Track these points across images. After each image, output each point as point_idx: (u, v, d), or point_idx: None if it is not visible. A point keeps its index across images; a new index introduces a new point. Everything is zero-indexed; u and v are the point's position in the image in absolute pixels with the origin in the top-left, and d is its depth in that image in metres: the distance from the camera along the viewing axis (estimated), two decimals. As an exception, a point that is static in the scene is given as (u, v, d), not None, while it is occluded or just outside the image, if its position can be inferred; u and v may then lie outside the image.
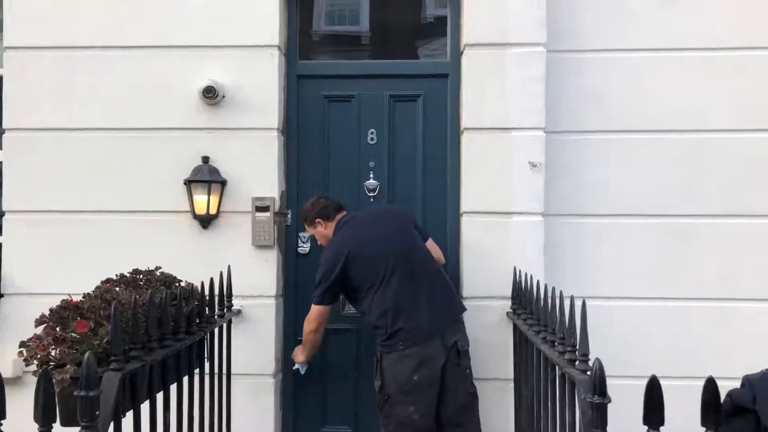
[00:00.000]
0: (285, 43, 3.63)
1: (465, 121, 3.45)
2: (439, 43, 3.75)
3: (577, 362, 2.03)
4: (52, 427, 1.51)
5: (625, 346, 3.42)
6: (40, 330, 2.06)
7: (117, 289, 2.37)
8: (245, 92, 3.49)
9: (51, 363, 1.96)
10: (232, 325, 3.18)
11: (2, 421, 1.37)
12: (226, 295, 3.08)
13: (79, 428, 1.63)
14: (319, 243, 3.32)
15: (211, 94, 3.39)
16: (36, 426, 1.50)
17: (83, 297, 2.20)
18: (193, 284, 2.73)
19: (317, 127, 3.69)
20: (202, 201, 3.41)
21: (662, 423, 1.43)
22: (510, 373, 3.26)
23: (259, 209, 3.47)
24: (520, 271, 3.18)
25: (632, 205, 3.56)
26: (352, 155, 3.68)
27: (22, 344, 2.01)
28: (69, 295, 2.20)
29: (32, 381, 1.55)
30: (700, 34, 3.57)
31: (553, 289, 2.46)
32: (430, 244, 3.16)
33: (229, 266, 3.15)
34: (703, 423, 1.31)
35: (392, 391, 2.87)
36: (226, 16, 3.49)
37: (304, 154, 3.69)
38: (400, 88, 3.68)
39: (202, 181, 3.41)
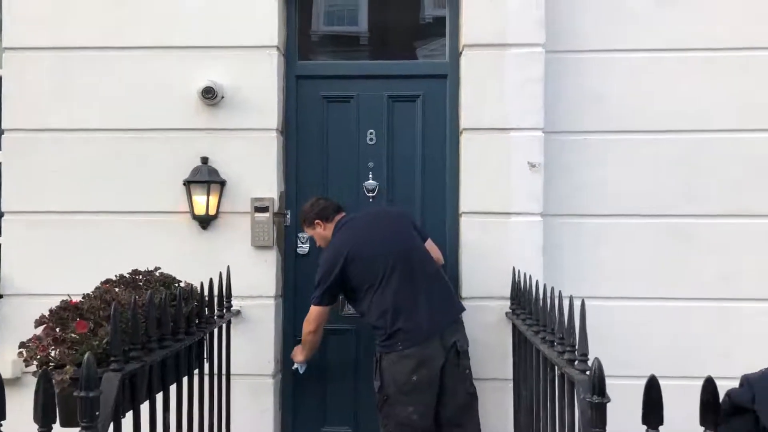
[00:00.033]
0: (284, 44, 3.63)
1: (464, 121, 3.46)
2: (437, 44, 3.76)
3: (576, 362, 2.03)
4: (51, 428, 1.51)
5: (625, 346, 3.42)
6: (39, 331, 2.06)
7: (116, 289, 2.37)
8: (244, 93, 3.49)
9: (51, 364, 1.96)
10: (232, 326, 3.18)
11: (2, 422, 1.37)
12: (226, 296, 3.07)
13: (78, 429, 1.63)
14: (318, 244, 3.32)
15: (210, 94, 3.40)
16: (36, 427, 1.49)
17: (83, 298, 2.20)
18: (192, 285, 2.73)
19: (316, 128, 3.69)
20: (201, 201, 3.41)
21: (661, 422, 1.43)
22: (509, 373, 3.26)
23: (258, 210, 3.47)
24: (519, 272, 3.18)
25: (631, 205, 3.56)
26: (351, 156, 3.68)
27: (22, 345, 2.00)
28: (68, 295, 2.20)
29: (32, 382, 1.55)
30: (699, 34, 3.57)
31: (552, 289, 2.46)
32: (429, 245, 3.16)
33: (228, 267, 3.15)
34: (702, 423, 1.31)
35: (391, 391, 2.88)
36: (225, 16, 3.50)
37: (303, 155, 3.69)
38: (399, 89, 3.68)
39: (201, 181, 3.41)
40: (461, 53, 3.51)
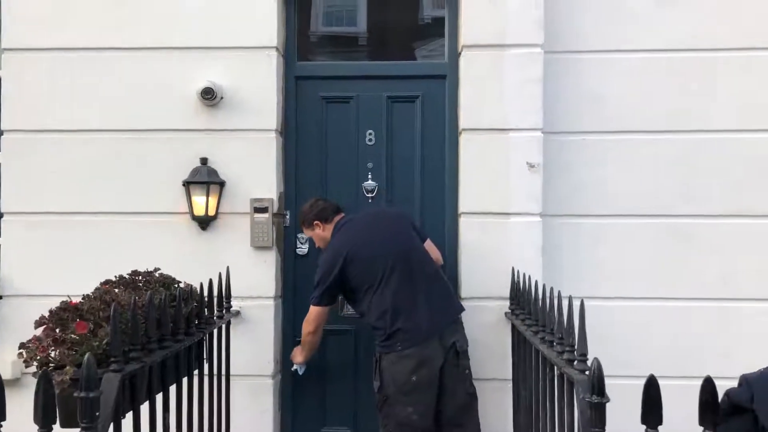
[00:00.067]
0: (283, 45, 3.63)
1: (463, 122, 3.46)
2: (436, 44, 3.76)
3: (575, 362, 2.03)
4: (52, 429, 1.51)
5: (625, 346, 3.43)
6: (39, 331, 2.06)
7: (116, 290, 2.37)
8: (243, 93, 3.49)
9: (51, 364, 1.96)
10: (231, 327, 3.18)
11: (2, 423, 1.37)
12: (225, 297, 3.07)
13: (78, 429, 1.63)
14: (317, 246, 3.32)
15: (209, 95, 3.40)
16: (36, 427, 1.50)
17: (82, 298, 2.20)
18: (192, 285, 2.73)
19: (315, 129, 3.69)
20: (200, 202, 3.41)
21: (660, 422, 1.43)
22: (508, 373, 3.26)
23: (257, 210, 3.47)
24: (518, 272, 3.19)
25: (631, 205, 3.56)
26: (350, 156, 3.68)
27: (22, 346, 2.01)
28: (68, 296, 2.20)
29: (32, 382, 1.55)
30: (699, 34, 3.57)
31: (552, 289, 2.46)
32: (429, 245, 3.16)
33: (227, 267, 3.15)
34: (701, 422, 1.31)
35: (391, 391, 2.88)
36: (225, 17, 3.50)
37: (303, 156, 3.69)
38: (398, 89, 3.68)
39: (200, 182, 3.41)
40: (460, 54, 3.51)
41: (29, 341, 2.01)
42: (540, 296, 2.59)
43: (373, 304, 2.93)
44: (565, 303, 2.20)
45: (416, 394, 2.84)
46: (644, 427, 1.44)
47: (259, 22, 3.49)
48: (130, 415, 2.05)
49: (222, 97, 3.46)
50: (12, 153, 3.54)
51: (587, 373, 1.79)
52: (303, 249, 3.66)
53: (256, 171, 3.49)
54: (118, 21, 3.53)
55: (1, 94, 3.56)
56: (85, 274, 2.72)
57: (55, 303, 2.14)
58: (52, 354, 1.97)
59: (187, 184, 3.43)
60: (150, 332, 2.15)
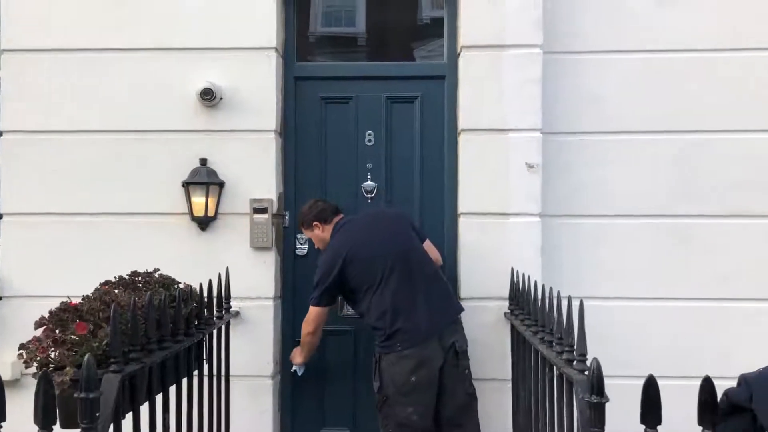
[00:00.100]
0: (282, 45, 3.63)
1: (462, 122, 3.46)
2: (435, 45, 3.76)
3: (574, 362, 2.03)
4: (52, 429, 1.51)
5: (624, 346, 3.43)
6: (39, 332, 2.06)
7: (116, 291, 2.37)
8: (243, 94, 3.49)
9: (50, 365, 1.96)
10: (231, 327, 3.18)
11: (2, 424, 1.37)
12: (225, 297, 3.07)
13: (78, 430, 1.63)
14: (316, 246, 3.32)
15: (208, 96, 3.40)
16: (36, 428, 1.50)
17: (82, 299, 2.20)
18: (191, 286, 2.73)
19: (315, 129, 3.69)
20: (200, 203, 3.41)
21: (659, 422, 1.44)
22: (508, 373, 3.26)
23: (257, 211, 3.47)
24: (517, 272, 3.19)
25: (630, 205, 3.56)
26: (349, 157, 3.68)
27: (22, 346, 2.01)
28: (68, 297, 2.20)
29: (32, 383, 1.55)
30: (699, 34, 3.57)
31: (551, 289, 2.47)
32: (428, 246, 3.17)
33: (227, 268, 3.15)
34: (700, 422, 1.32)
35: (391, 391, 2.88)
36: (225, 18, 3.50)
37: (302, 156, 3.69)
38: (397, 90, 3.68)
39: (200, 183, 3.41)
40: (459, 54, 3.51)
41: (29, 342, 2.01)
42: (539, 296, 2.59)
43: (372, 304, 2.94)
44: (564, 303, 2.21)
45: (416, 394, 2.84)
46: (643, 427, 1.45)
47: (259, 23, 3.49)
48: (130, 416, 2.05)
49: (221, 98, 3.46)
50: (12, 154, 3.54)
51: (586, 373, 1.79)
52: (302, 250, 3.66)
53: (255, 172, 3.49)
54: (118, 21, 3.53)
55: (1, 94, 3.56)
56: (85, 274, 2.71)
57: (54, 304, 2.14)
58: (52, 355, 1.97)
59: (186, 184, 3.43)
60: (150, 333, 2.16)
